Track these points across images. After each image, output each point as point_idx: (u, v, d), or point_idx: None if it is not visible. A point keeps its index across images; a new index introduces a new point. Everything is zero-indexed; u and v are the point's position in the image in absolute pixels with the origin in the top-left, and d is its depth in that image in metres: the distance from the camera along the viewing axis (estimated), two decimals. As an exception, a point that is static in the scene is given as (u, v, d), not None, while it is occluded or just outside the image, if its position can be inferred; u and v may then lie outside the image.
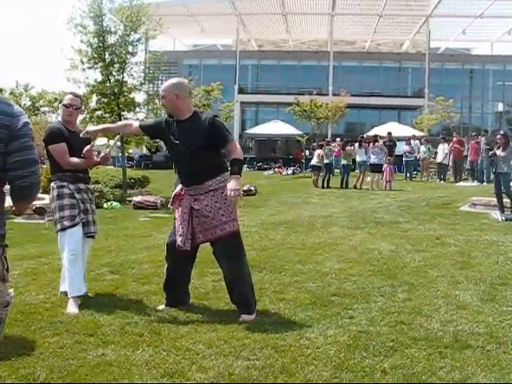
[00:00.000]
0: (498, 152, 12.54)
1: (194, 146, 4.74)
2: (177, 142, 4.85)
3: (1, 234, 2.52)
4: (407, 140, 25.95)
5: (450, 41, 51.87)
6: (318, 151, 21.60)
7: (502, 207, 11.73)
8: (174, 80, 5.00)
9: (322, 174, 21.12)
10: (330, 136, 43.52)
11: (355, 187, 19.80)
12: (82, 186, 5.46)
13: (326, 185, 20.39)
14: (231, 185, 4.71)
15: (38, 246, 8.87)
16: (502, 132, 13.39)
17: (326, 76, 48.42)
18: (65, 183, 5.37)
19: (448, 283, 5.88)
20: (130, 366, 3.65)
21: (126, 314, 4.80)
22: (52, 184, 5.46)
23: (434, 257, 7.30)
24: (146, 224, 11.90)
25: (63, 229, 5.24)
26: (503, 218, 11.02)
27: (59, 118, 5.71)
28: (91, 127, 4.97)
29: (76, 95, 5.74)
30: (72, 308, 4.99)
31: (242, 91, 48.42)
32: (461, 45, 53.69)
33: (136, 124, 5.35)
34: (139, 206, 15.64)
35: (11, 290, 2.65)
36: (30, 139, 2.51)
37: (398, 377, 3.51)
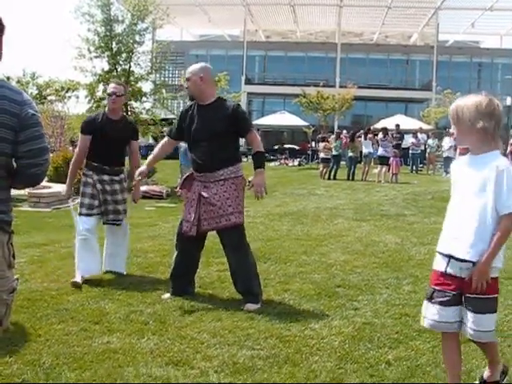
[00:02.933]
0: None
1: (213, 131, 4.74)
2: (196, 125, 4.85)
3: (7, 221, 2.54)
4: (414, 133, 25.88)
5: (458, 33, 51.52)
6: (323, 144, 21.60)
7: None
8: (199, 64, 5.05)
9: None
10: (336, 128, 43.43)
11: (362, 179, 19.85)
12: (105, 177, 5.68)
13: (332, 176, 20.36)
14: (257, 180, 4.79)
15: (43, 234, 8.91)
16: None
17: (333, 68, 48.27)
18: (90, 172, 5.70)
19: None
20: (134, 353, 3.67)
21: (131, 303, 4.82)
22: (83, 169, 5.85)
23: (439, 250, 7.28)
24: (151, 213, 11.94)
25: (80, 214, 5.65)
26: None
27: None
28: (141, 170, 5.21)
29: (118, 83, 5.95)
30: (76, 278, 5.42)
31: (248, 82, 48.32)
32: (470, 38, 53.38)
33: (167, 139, 5.25)
34: (145, 196, 15.62)
35: (16, 276, 2.67)
36: (40, 128, 2.55)
37: (402, 368, 3.52)
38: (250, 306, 4.70)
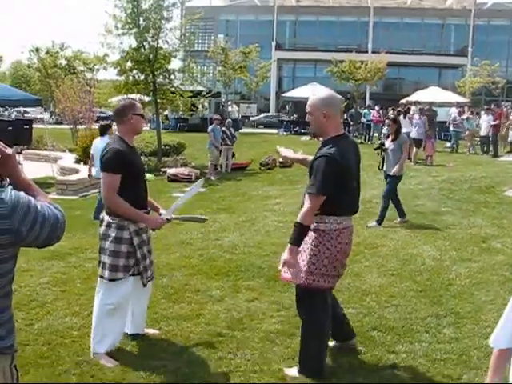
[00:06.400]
0: (387, 143, 9.74)
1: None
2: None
3: (7, 346, 2.28)
4: (460, 108, 24.20)
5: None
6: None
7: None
8: (323, 92, 4.29)
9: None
10: (368, 96, 42.66)
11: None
12: (142, 224, 4.47)
13: None
14: (283, 255, 4.04)
15: (69, 236, 8.52)
16: (391, 116, 11.41)
17: (366, 32, 47.24)
18: (125, 223, 4.37)
19: (498, 314, 5.45)
20: None
21: (158, 355, 4.55)
22: (108, 218, 4.43)
23: (480, 270, 6.87)
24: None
25: (113, 279, 4.36)
26: None
27: (116, 133, 4.61)
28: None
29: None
30: (108, 363, 4.30)
31: (279, 48, 47.57)
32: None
33: None
34: (173, 179, 15.46)
35: None
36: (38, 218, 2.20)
37: None
38: (288, 371, 4.20)
